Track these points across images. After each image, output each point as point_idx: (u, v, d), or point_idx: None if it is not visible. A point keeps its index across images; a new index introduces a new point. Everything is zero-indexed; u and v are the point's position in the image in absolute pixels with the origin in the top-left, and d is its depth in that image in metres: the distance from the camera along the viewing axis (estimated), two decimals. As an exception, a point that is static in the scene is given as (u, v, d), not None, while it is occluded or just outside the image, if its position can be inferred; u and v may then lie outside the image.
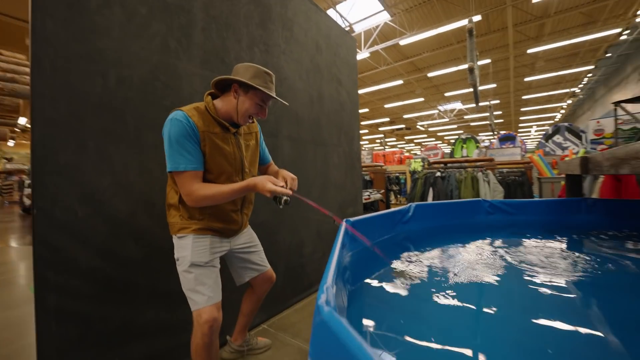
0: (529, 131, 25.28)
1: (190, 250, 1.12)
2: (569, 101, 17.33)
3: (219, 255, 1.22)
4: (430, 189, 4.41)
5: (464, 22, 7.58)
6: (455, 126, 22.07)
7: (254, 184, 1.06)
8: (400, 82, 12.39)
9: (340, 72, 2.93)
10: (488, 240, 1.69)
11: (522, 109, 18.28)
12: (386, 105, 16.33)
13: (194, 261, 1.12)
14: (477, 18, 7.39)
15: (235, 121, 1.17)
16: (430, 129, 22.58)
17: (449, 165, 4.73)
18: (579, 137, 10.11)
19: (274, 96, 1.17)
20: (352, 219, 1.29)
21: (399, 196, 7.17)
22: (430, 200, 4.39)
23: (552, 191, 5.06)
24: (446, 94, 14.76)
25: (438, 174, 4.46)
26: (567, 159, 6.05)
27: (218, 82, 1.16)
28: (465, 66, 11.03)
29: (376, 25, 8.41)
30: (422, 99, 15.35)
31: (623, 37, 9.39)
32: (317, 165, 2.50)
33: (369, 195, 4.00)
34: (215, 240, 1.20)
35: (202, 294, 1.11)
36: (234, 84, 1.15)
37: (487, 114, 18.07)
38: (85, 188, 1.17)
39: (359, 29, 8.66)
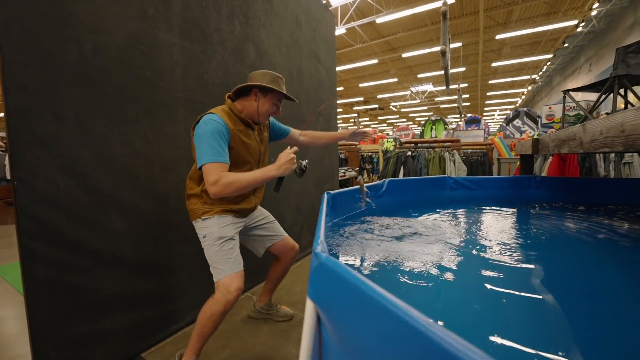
0: (493, 115, 26.78)
1: (217, 227, 1.25)
2: (529, 87, 18.49)
3: (238, 230, 1.36)
4: (402, 167, 4.65)
5: (438, 4, 7.68)
6: (425, 108, 22.74)
7: (280, 169, 1.19)
8: (375, 61, 12.40)
9: (319, 48, 2.92)
10: (450, 210, 1.89)
11: (488, 93, 19.22)
12: (361, 85, 16.34)
13: (220, 235, 1.24)
14: (451, 0, 7.50)
15: (256, 120, 1.33)
16: (402, 110, 23.07)
17: (419, 145, 4.98)
18: (536, 122, 10.95)
19: (290, 96, 1.34)
20: (332, 192, 1.41)
21: (371, 174, 7.43)
22: (401, 177, 4.65)
23: (509, 171, 5.56)
24: (419, 76, 15.05)
25: (409, 153, 4.69)
26: (494, 137, 6.62)
27: (238, 88, 1.30)
28: (438, 48, 11.34)
29: (353, 1, 8.23)
30: (395, 80, 15.53)
31: (579, 29, 10.07)
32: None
33: (344, 173, 4.14)
34: (235, 219, 1.34)
35: (230, 264, 1.22)
36: (254, 89, 1.29)
37: (456, 97, 18.86)
38: (66, 160, 1.15)
39: (335, 3, 8.42)
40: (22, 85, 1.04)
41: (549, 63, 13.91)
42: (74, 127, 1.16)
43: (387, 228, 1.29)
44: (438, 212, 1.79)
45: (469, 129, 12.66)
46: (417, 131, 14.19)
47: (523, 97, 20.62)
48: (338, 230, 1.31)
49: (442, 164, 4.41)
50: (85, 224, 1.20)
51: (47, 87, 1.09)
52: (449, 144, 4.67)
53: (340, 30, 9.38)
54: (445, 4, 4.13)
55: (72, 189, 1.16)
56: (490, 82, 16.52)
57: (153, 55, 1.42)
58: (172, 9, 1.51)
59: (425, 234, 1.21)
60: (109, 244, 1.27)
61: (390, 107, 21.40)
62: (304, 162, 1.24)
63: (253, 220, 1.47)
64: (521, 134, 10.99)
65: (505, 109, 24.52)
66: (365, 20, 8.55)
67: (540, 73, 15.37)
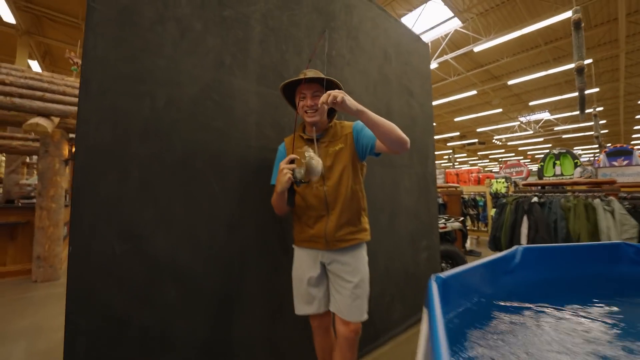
0: (646, 143, 20.27)
1: (293, 263, 1.31)
2: None
3: (312, 269, 1.24)
4: (525, 218, 3.57)
5: (555, 19, 6.46)
6: (541, 139, 19.03)
7: (277, 182, 1.15)
8: (473, 92, 11.21)
9: (412, 82, 2.55)
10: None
11: (637, 117, 14.79)
12: (456, 119, 14.98)
13: (293, 275, 1.30)
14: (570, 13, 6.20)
15: (310, 126, 1.24)
16: (509, 143, 19.92)
17: (547, 188, 3.80)
18: None
19: (297, 78, 1.20)
20: (443, 275, 0.89)
21: (477, 222, 6.17)
22: (524, 231, 3.54)
23: None
24: (530, 103, 12.83)
25: (535, 199, 3.59)
26: None
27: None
28: (555, 70, 9.44)
29: (445, 34, 7.77)
30: (499, 110, 13.63)
31: None
32: (385, 190, 2.13)
33: (444, 223, 3.39)
34: (310, 252, 1.25)
35: (297, 304, 1.27)
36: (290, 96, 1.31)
37: (587, 124, 15.09)
38: (125, 221, 1.03)
39: (425, 39, 8.12)
40: (92, 145, 0.99)
41: None
42: (137, 185, 1.06)
43: (541, 331, 0.69)
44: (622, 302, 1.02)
45: (615, 163, 9.70)
46: (532, 167, 11.71)
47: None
48: (460, 340, 0.76)
49: (590, 216, 3.16)
50: (136, 296, 1.04)
51: (115, 144, 1.03)
52: (600, 186, 3.37)
53: (431, 66, 8.92)
54: (577, 11, 3.25)
55: (128, 255, 1.03)
56: (641, 102, 12.68)
57: (226, 105, 1.31)
58: (250, 55, 1.41)
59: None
60: (158, 319, 1.08)
61: (494, 140, 18.76)
62: (299, 171, 1.08)
63: (331, 263, 1.23)
64: None
65: (669, 135, 18.22)
66: (461, 51, 7.89)
67: None
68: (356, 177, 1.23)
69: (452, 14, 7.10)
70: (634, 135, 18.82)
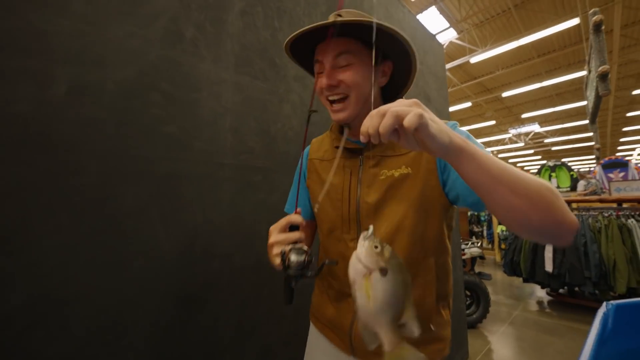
0: (631, 155, 20.78)
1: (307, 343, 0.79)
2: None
3: None
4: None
5: (550, 31, 6.35)
6: (531, 151, 19.21)
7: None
8: (468, 104, 11.11)
9: (429, 85, 2.14)
10: None
11: (623, 129, 15.06)
12: (448, 132, 14.87)
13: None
14: (571, 23, 6.11)
15: (344, 123, 0.62)
16: (500, 155, 20.05)
17: (571, 204, 3.44)
18: None
19: (311, 27, 0.54)
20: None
21: (482, 239, 5.76)
22: (549, 255, 3.12)
23: None
24: (523, 116, 12.86)
25: (558, 218, 3.20)
26: None
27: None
28: (549, 82, 9.43)
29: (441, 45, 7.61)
30: (492, 122, 13.62)
31: None
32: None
33: (463, 249, 2.94)
34: (329, 348, 0.70)
35: None
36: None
37: (576, 136, 15.32)
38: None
39: (420, 50, 7.95)
40: None
41: None
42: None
43: None
44: None
45: (611, 175, 9.62)
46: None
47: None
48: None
49: (627, 239, 2.78)
50: None
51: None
52: (631, 204, 3.01)
53: (425, 77, 8.74)
54: (596, 12, 2.98)
55: None
56: (629, 114, 12.89)
57: (185, 99, 0.83)
58: (225, 29, 0.95)
59: None
60: None
61: (484, 153, 18.77)
62: (298, 256, 0.53)
63: None
64: None
65: (652, 147, 18.73)
66: (457, 62, 7.72)
67: None
68: (433, 236, 0.61)
69: (448, 25, 6.94)
70: (619, 147, 19.23)
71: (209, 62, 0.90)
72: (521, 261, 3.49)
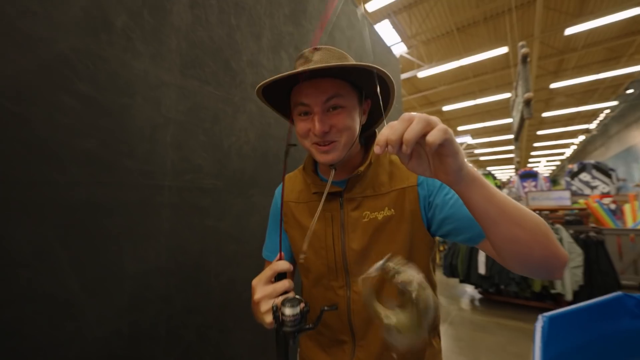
0: (537, 165, 24.71)
1: None
2: (582, 137, 16.85)
3: None
4: (479, 252, 3.49)
5: (484, 56, 7.15)
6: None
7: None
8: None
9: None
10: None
11: (534, 144, 17.78)
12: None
13: None
14: (501, 51, 6.96)
15: (318, 161, 0.59)
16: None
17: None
18: (609, 176, 9.36)
19: (291, 73, 0.49)
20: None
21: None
22: (482, 259, 3.45)
23: (620, 247, 4.13)
24: (459, 129, 14.29)
25: (490, 226, 3.57)
26: (589, 200, 5.18)
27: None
28: (482, 100, 10.65)
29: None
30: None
31: (648, 74, 8.97)
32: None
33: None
34: None
35: None
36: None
37: (500, 149, 17.70)
38: None
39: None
40: None
41: (607, 111, 12.57)
42: None
43: None
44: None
45: (525, 184, 11.20)
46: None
47: (574, 147, 18.81)
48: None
49: (542, 243, 3.20)
50: None
51: None
52: (546, 212, 3.49)
53: (377, 86, 9.12)
54: (524, 46, 3.41)
55: None
56: (538, 132, 15.26)
57: (111, 106, 0.65)
58: (169, 22, 0.78)
59: None
60: None
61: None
62: (292, 309, 0.47)
63: None
64: (592, 190, 9.36)
65: (553, 160, 22.53)
66: (407, 75, 8.20)
67: (597, 122, 13.93)
68: (429, 271, 0.62)
69: (399, 39, 7.33)
70: (530, 160, 22.66)
71: (147, 60, 0.72)
72: (458, 264, 3.81)
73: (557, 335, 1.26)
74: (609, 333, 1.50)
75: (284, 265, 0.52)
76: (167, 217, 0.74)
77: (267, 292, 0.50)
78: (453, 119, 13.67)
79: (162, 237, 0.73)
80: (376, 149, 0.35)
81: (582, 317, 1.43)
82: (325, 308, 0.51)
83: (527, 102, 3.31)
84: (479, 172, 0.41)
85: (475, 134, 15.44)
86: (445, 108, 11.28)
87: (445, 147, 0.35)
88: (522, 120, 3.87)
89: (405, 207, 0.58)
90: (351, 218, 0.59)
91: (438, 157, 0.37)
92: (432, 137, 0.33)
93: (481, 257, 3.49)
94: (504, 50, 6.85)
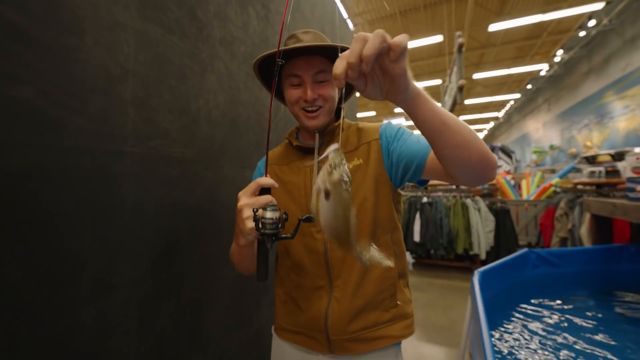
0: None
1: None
2: (492, 124, 19.73)
3: None
4: (417, 215, 3.91)
5: (425, 42, 7.63)
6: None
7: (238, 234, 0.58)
8: (356, 95, 12.24)
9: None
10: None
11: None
12: (338, 117, 16.17)
13: None
14: (438, 39, 7.50)
15: (309, 128, 0.69)
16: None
17: (429, 189, 4.34)
18: (510, 157, 11.28)
19: (289, 48, 0.61)
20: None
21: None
22: (417, 229, 3.89)
23: (517, 215, 5.09)
24: (395, 110, 15.25)
25: (425, 199, 4.00)
26: (498, 176, 6.30)
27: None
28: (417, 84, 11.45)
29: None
30: (373, 113, 15.59)
31: (542, 73, 10.80)
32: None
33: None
34: (300, 354, 0.71)
35: None
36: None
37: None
38: None
39: (320, 34, 8.08)
40: None
41: (512, 102, 14.87)
42: None
43: None
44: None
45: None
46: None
47: (486, 132, 21.97)
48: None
49: (465, 213, 3.75)
50: None
51: None
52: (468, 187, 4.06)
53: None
54: (460, 36, 3.73)
55: None
56: (460, 117, 17.27)
57: (53, 44, 0.50)
58: (122, -56, 0.62)
59: None
60: None
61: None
62: (273, 213, 0.52)
63: None
64: (497, 169, 11.20)
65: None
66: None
67: (504, 111, 16.42)
68: (386, 215, 0.70)
69: (346, 15, 7.27)
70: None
71: (97, -8, 0.56)
72: (397, 234, 4.22)
73: (487, 285, 1.53)
74: (519, 279, 1.89)
75: (267, 180, 0.56)
76: (129, 189, 0.62)
77: (250, 201, 0.54)
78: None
79: (125, 214, 0.62)
80: (335, 82, 0.38)
81: (502, 270, 1.77)
82: (302, 218, 0.54)
83: (460, 89, 3.69)
84: (421, 88, 0.46)
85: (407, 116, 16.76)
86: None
87: (401, 60, 0.38)
88: (454, 104, 4.31)
89: (371, 157, 0.69)
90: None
91: (390, 78, 0.41)
92: (398, 39, 0.36)
93: (416, 227, 3.92)
94: (439, 38, 7.38)
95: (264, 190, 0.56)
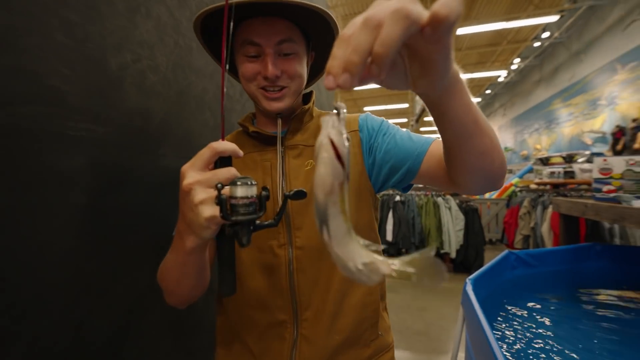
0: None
1: None
2: (453, 126, 20.89)
3: None
4: (390, 214, 3.84)
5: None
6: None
7: (184, 228, 0.39)
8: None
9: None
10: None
11: (420, 129, 20.96)
12: (308, 113, 15.94)
13: None
14: (408, 38, 7.56)
15: (268, 112, 0.55)
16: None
17: (404, 187, 4.32)
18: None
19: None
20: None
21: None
22: (389, 228, 3.81)
23: (480, 213, 5.30)
24: (365, 109, 15.40)
25: (398, 197, 3.94)
26: None
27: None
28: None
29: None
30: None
31: (500, 79, 11.54)
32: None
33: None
34: None
35: None
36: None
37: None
38: None
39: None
40: None
41: (472, 106, 15.78)
42: None
43: None
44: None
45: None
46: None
47: (447, 134, 23.21)
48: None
49: (437, 212, 3.74)
50: None
51: None
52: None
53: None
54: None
55: None
56: (426, 118, 17.97)
57: None
58: None
59: None
60: None
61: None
62: (238, 190, 0.34)
63: None
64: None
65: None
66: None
67: (464, 114, 17.38)
68: (366, 224, 0.58)
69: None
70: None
71: None
72: (370, 234, 4.14)
73: (477, 291, 1.44)
74: (500, 282, 1.84)
75: (227, 145, 0.37)
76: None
77: (203, 178, 0.35)
78: (360, 99, 14.60)
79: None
80: (327, 81, 0.23)
81: (487, 274, 1.69)
82: (289, 193, 0.40)
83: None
84: (459, 72, 0.32)
85: (377, 114, 17.04)
86: (357, 87, 11.85)
87: (445, 37, 0.23)
88: (423, 109, 4.32)
89: (356, 150, 0.56)
90: (293, 165, 0.55)
91: (424, 62, 0.26)
92: (445, 7, 0.20)
93: (389, 226, 3.85)
94: (410, 38, 7.45)
95: (223, 161, 0.38)
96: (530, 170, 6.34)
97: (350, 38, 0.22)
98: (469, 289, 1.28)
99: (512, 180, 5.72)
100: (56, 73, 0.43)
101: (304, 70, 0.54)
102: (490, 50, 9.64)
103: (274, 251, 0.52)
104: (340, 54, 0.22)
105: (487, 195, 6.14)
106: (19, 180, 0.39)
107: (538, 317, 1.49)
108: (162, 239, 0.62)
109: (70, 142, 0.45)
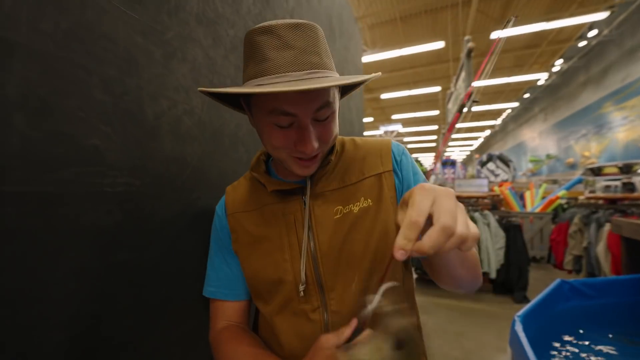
0: (451, 155, 28.39)
1: None
2: (488, 132, 19.79)
3: None
4: (422, 231, 3.65)
5: (425, 47, 7.48)
6: (393, 147, 23.18)
7: None
8: (353, 100, 12.05)
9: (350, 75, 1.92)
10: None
11: (453, 136, 20.13)
12: (334, 122, 15.99)
13: None
14: (440, 45, 7.34)
15: (293, 172, 0.50)
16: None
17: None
18: (508, 165, 11.20)
19: (304, 88, 0.36)
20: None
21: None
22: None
23: (522, 227, 4.89)
24: (392, 117, 15.14)
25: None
26: (502, 188, 6.10)
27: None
28: (416, 92, 11.31)
29: (337, 37, 7.76)
30: (371, 119, 15.47)
31: (540, 82, 10.79)
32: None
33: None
34: None
35: None
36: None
37: (425, 138, 19.58)
38: None
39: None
40: None
41: (509, 111, 14.89)
42: None
43: None
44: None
45: (446, 171, 12.61)
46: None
47: (481, 139, 22.04)
48: None
49: (473, 228, 3.50)
50: None
51: None
52: (475, 200, 3.83)
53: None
54: (469, 40, 3.54)
55: None
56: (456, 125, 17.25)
57: None
58: None
59: None
60: None
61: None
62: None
63: None
64: (495, 177, 11.08)
65: (464, 150, 26.06)
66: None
67: (500, 120, 16.44)
68: (404, 280, 0.54)
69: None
70: (447, 149, 25.78)
71: None
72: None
73: (528, 326, 1.28)
74: (552, 315, 1.64)
75: (344, 334, 0.41)
76: (22, 259, 0.34)
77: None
78: (388, 107, 14.37)
79: (14, 306, 0.33)
80: (399, 255, 0.30)
81: (537, 309, 1.51)
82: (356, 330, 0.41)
83: (470, 95, 3.48)
84: None
85: (405, 123, 16.62)
86: (383, 96, 11.70)
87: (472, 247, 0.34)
88: (461, 111, 4.11)
89: (383, 196, 0.52)
90: (320, 216, 0.50)
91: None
92: (474, 233, 0.32)
93: (421, 242, 3.66)
94: (441, 44, 7.23)
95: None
96: (580, 182, 5.78)
97: (432, 236, 0.30)
98: (519, 328, 1.14)
99: (558, 192, 5.25)
100: (95, 132, 0.43)
101: (337, 126, 0.49)
102: (528, 52, 9.08)
103: (308, 316, 0.48)
104: (412, 237, 0.30)
105: (529, 209, 5.68)
106: (61, 245, 0.38)
107: (594, 358, 1.29)
108: (199, 289, 0.60)
109: (109, 199, 0.44)
